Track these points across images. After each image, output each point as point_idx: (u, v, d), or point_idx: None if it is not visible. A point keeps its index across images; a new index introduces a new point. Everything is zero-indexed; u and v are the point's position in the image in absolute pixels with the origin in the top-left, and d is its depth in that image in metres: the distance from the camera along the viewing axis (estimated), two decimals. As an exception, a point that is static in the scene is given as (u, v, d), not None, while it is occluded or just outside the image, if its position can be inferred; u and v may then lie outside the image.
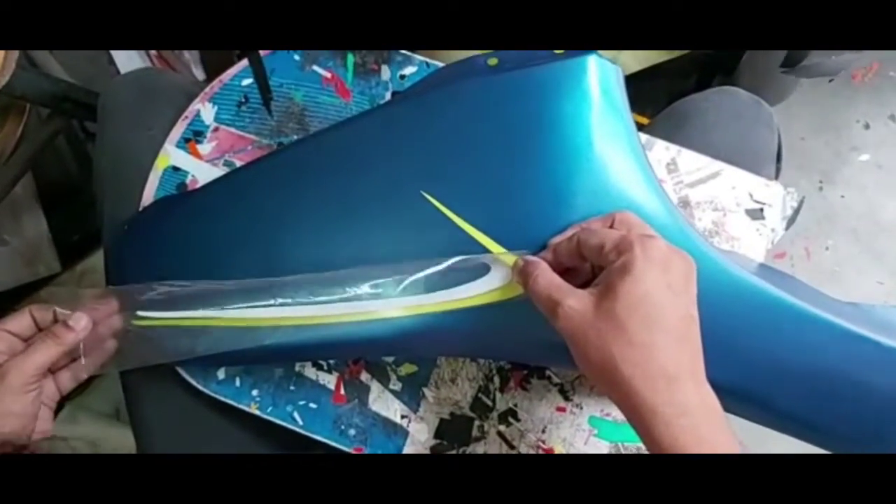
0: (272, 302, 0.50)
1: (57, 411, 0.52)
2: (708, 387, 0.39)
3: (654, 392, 0.37)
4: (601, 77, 0.48)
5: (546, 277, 0.43)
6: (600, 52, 0.49)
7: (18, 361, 0.47)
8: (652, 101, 1.08)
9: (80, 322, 0.49)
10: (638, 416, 0.37)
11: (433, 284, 0.49)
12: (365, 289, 0.49)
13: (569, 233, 0.45)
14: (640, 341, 0.37)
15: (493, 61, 0.50)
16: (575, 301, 0.40)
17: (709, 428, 0.37)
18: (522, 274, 0.44)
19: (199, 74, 1.15)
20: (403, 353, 0.56)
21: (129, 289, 0.52)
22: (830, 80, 1.19)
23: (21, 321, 0.50)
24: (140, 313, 0.51)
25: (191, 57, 1.16)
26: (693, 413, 0.37)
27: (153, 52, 1.14)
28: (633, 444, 0.56)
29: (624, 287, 0.38)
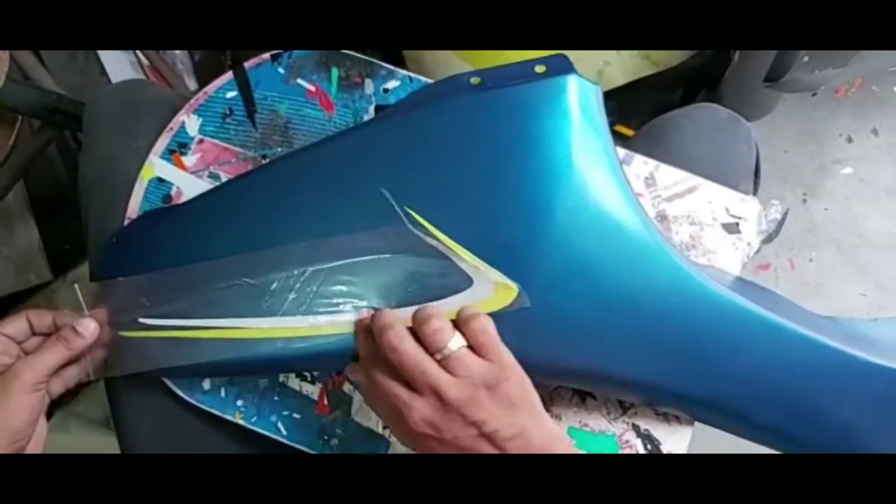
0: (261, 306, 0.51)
1: (47, 418, 0.53)
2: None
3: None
4: (581, 96, 0.49)
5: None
6: (595, 52, 0.50)
7: (32, 360, 0.49)
8: (638, 113, 1.09)
9: (89, 328, 0.51)
10: None
11: (416, 297, 0.50)
12: (348, 307, 0.50)
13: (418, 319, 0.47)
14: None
15: (475, 80, 0.51)
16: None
17: None
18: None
19: (192, 85, 1.16)
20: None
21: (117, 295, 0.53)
22: (814, 95, 1.21)
23: (17, 325, 0.51)
24: (141, 320, 0.53)
25: (183, 67, 1.17)
26: None
27: (146, 63, 1.15)
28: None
29: (417, 448, 0.45)
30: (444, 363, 0.43)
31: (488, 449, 0.42)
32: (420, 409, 0.43)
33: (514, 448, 0.42)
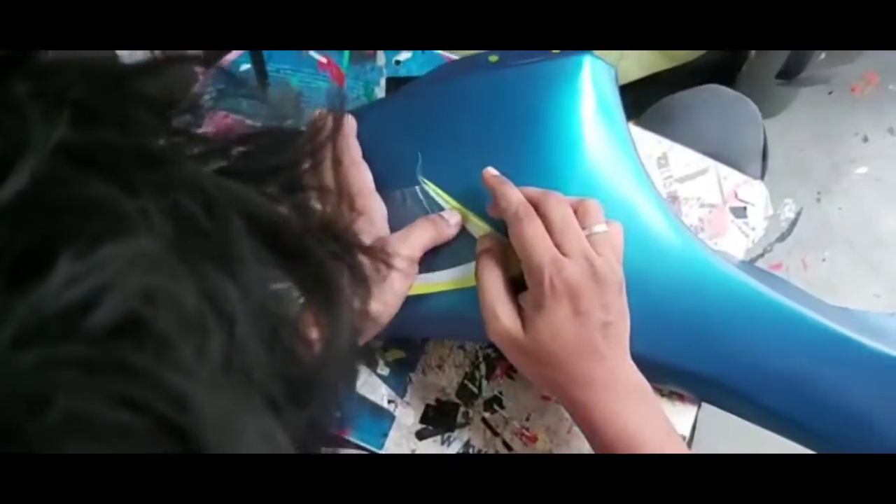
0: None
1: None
2: (626, 373, 0.46)
3: (579, 392, 0.45)
4: (595, 76, 0.50)
5: (492, 280, 0.47)
6: (604, 52, 0.51)
7: (405, 236, 0.49)
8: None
9: (454, 219, 0.51)
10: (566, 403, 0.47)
11: (427, 265, 0.50)
12: None
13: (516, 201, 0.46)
14: (559, 363, 0.44)
15: (493, 58, 0.52)
16: (506, 319, 0.46)
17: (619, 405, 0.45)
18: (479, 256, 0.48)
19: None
20: (392, 332, 0.57)
21: None
22: (830, 93, 1.20)
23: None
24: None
25: (195, 55, 1.18)
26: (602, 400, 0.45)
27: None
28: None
29: (539, 322, 0.44)
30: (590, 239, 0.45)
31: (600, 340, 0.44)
32: (570, 269, 0.43)
33: (613, 337, 0.45)
